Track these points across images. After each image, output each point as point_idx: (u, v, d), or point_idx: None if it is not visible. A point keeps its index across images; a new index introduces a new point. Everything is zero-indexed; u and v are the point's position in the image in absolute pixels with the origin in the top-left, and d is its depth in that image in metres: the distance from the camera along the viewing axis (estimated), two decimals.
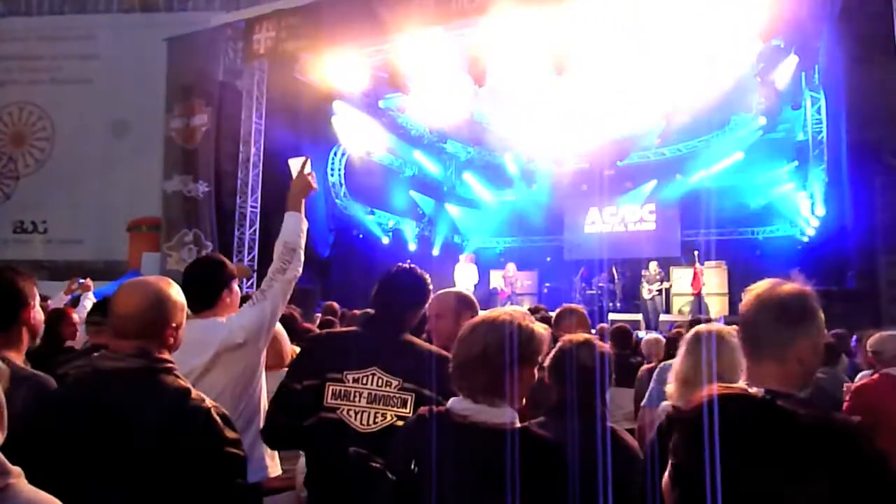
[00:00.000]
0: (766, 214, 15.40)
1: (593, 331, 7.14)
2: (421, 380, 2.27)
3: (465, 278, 14.65)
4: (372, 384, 2.29)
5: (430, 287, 2.53)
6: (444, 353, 2.43)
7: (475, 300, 2.89)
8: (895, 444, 3.53)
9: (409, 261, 2.64)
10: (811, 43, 11.23)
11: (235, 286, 2.87)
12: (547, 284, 16.78)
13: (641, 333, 8.86)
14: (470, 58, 11.23)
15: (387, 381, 2.29)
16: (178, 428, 1.75)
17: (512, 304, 15.32)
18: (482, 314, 1.90)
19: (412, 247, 16.81)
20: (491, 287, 16.68)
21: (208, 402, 1.84)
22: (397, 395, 2.27)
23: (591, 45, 10.76)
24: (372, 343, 2.38)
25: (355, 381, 2.28)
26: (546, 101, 14.53)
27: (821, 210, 12.55)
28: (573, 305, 4.05)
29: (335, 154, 15.15)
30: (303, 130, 13.32)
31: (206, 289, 2.73)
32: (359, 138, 14.95)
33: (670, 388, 2.50)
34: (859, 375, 4.92)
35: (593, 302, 15.17)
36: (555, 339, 2.39)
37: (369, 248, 15.10)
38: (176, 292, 1.96)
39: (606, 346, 2.37)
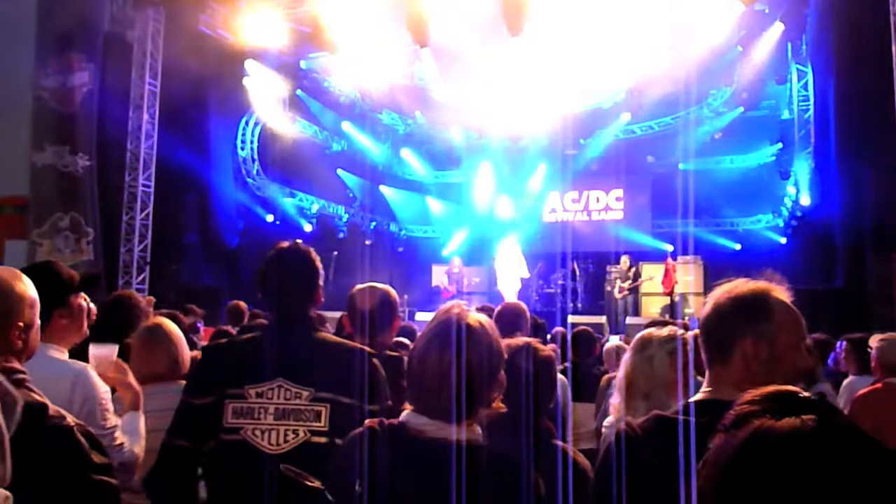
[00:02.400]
0: (747, 203, 15.91)
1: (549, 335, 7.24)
2: (337, 386, 2.27)
3: (510, 271, 13.84)
4: (278, 398, 2.28)
5: (320, 266, 2.53)
6: (364, 348, 2.43)
7: (396, 298, 2.90)
8: None
9: (299, 240, 2.61)
10: (799, 9, 11.64)
11: (79, 302, 2.73)
12: None
13: (615, 338, 9.01)
14: (409, 12, 11.20)
15: (295, 393, 2.28)
16: (32, 452, 1.69)
17: None
18: (445, 316, 1.89)
19: (340, 235, 16.70)
20: (433, 285, 16.72)
21: (70, 420, 1.78)
22: (309, 408, 2.26)
23: (549, 2, 10.87)
24: (275, 348, 2.39)
25: (259, 395, 2.27)
26: (499, 66, 14.61)
27: (806, 199, 13.04)
28: (516, 303, 4.11)
29: (247, 124, 14.90)
30: (207, 95, 13.05)
31: None
32: (276, 105, 14.74)
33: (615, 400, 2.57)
34: (845, 383, 5.15)
35: (552, 301, 15.39)
36: None
37: (288, 238, 14.88)
38: (25, 285, 1.89)
39: (549, 351, 2.40)
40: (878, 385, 4.19)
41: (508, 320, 4.03)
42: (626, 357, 2.63)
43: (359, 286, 2.97)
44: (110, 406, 2.59)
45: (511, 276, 13.39)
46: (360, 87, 15.97)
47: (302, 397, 2.27)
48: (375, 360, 2.41)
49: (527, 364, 2.28)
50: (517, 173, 17.85)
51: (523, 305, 4.40)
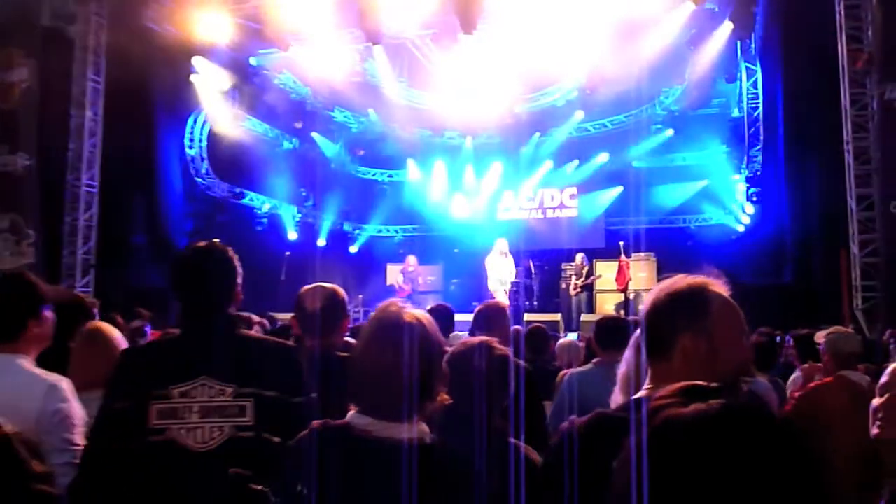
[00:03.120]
0: (699, 201, 16.21)
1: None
2: (260, 380, 2.32)
3: (499, 272, 13.64)
4: (203, 396, 2.31)
5: (238, 264, 2.54)
6: (283, 342, 2.48)
7: (345, 297, 2.90)
8: (835, 456, 3.87)
9: (215, 240, 2.61)
10: (747, 7, 11.88)
11: (48, 314, 2.74)
12: (454, 281, 16.96)
13: (572, 335, 9.09)
14: (361, 9, 11.15)
15: (219, 390, 2.31)
16: None
17: (413, 303, 15.32)
18: (383, 314, 1.91)
19: (292, 235, 16.55)
20: (388, 283, 16.67)
21: (8, 428, 1.74)
22: (233, 404, 2.30)
23: (503, 1, 10.94)
24: (196, 347, 2.41)
25: (182, 395, 2.31)
26: (452, 64, 14.64)
27: (756, 197, 13.34)
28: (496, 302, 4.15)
29: (195, 122, 14.67)
30: (154, 92, 12.79)
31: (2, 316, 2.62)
32: (225, 103, 14.54)
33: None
34: (792, 378, 5.29)
35: (508, 300, 15.47)
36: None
37: (238, 238, 14.70)
38: None
39: (505, 350, 2.42)
40: (830, 379, 4.26)
41: (488, 318, 4.06)
42: (627, 355, 2.65)
43: (307, 287, 2.97)
44: (80, 423, 2.57)
45: (501, 277, 13.42)
46: (312, 84, 15.84)
47: (226, 394, 2.30)
48: (296, 353, 2.46)
49: (481, 363, 2.29)
50: (471, 172, 17.90)
51: (504, 304, 4.43)
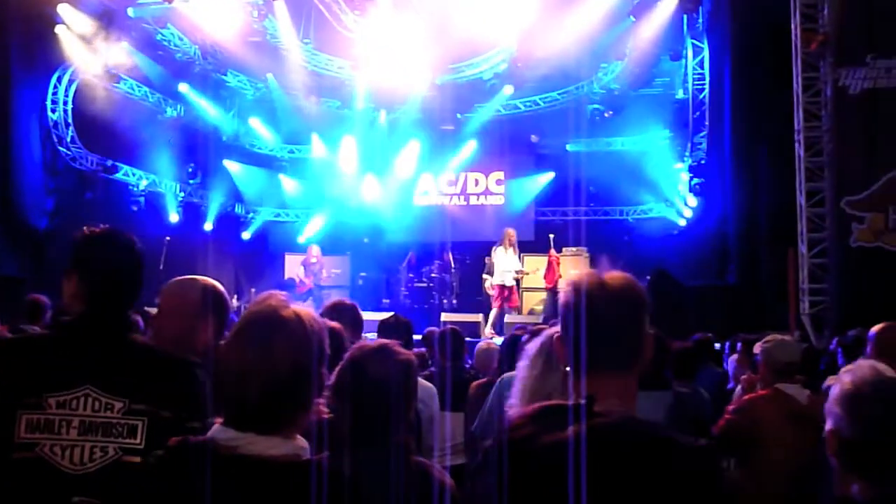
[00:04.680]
0: (639, 190, 16.54)
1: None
2: (157, 397, 2.24)
3: (507, 264, 13.54)
4: (85, 409, 2.21)
5: (141, 256, 2.47)
6: (188, 357, 2.40)
7: (227, 297, 2.79)
8: (770, 471, 4.01)
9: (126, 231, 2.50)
10: None
11: None
12: (362, 274, 16.87)
13: (498, 339, 9.10)
14: None
15: (106, 403, 2.22)
16: None
17: (314, 298, 15.21)
18: (255, 307, 1.86)
19: (174, 218, 16.09)
20: (287, 277, 16.45)
21: None
22: (122, 422, 2.21)
23: None
24: (81, 350, 2.28)
25: (60, 405, 2.20)
26: (367, 26, 14.51)
27: (700, 188, 13.69)
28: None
29: (59, 81, 14.07)
30: (8, 44, 12.23)
31: None
32: (97, 60, 14.02)
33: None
34: (738, 390, 5.42)
35: (424, 297, 15.47)
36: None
37: (110, 219, 14.17)
38: None
39: (408, 354, 2.40)
40: (765, 392, 4.40)
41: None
42: (524, 364, 2.64)
43: (174, 280, 2.84)
44: None
45: (507, 268, 13.35)
46: (201, 42, 15.43)
47: (114, 409, 2.22)
48: (199, 371, 2.36)
49: (381, 370, 2.26)
50: (385, 150, 17.79)
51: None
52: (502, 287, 13.35)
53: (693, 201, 14.39)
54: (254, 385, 1.72)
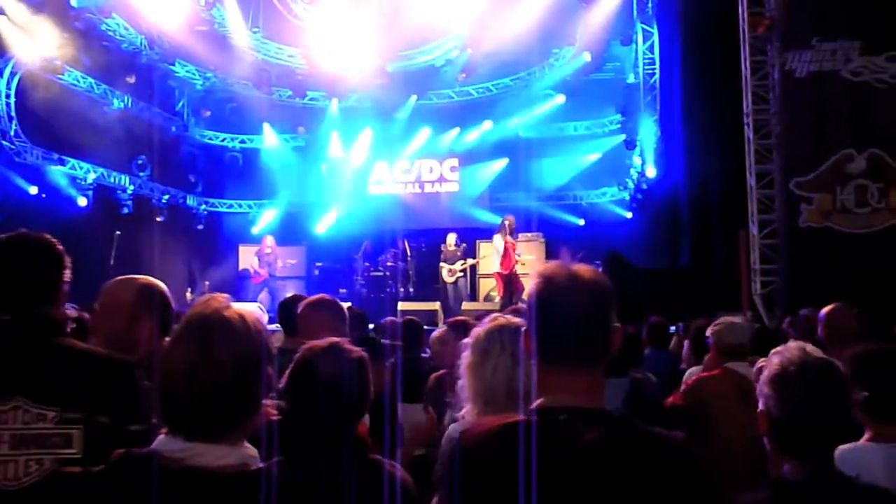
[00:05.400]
0: (593, 175, 16.69)
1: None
2: (91, 403, 2.18)
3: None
4: (16, 422, 2.15)
5: (65, 257, 2.40)
6: (119, 356, 2.34)
7: (168, 295, 2.73)
8: (721, 448, 4.09)
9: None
10: None
11: None
12: (318, 264, 16.79)
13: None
14: None
15: (38, 414, 2.16)
16: None
17: (269, 289, 15.12)
18: (192, 310, 1.82)
19: (124, 211, 15.83)
20: (241, 268, 16.31)
21: None
22: (56, 432, 2.15)
23: None
24: (6, 361, 2.22)
25: None
26: (316, 13, 14.38)
27: (652, 171, 13.83)
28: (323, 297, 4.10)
29: (1, 73, 13.75)
30: None
31: None
32: (41, 51, 13.70)
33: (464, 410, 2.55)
34: (688, 373, 5.49)
35: (381, 286, 15.45)
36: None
37: (56, 214, 13.96)
38: None
39: (360, 351, 2.37)
40: (717, 371, 4.50)
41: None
42: (467, 354, 2.60)
43: (112, 279, 2.78)
44: None
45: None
46: (148, 32, 15.17)
47: (46, 419, 2.16)
48: (137, 371, 2.31)
49: (332, 369, 2.23)
50: (338, 139, 17.70)
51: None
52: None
53: (645, 185, 14.53)
54: (197, 387, 1.70)
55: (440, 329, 4.62)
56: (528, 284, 1.81)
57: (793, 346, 2.14)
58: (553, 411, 1.66)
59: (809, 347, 2.13)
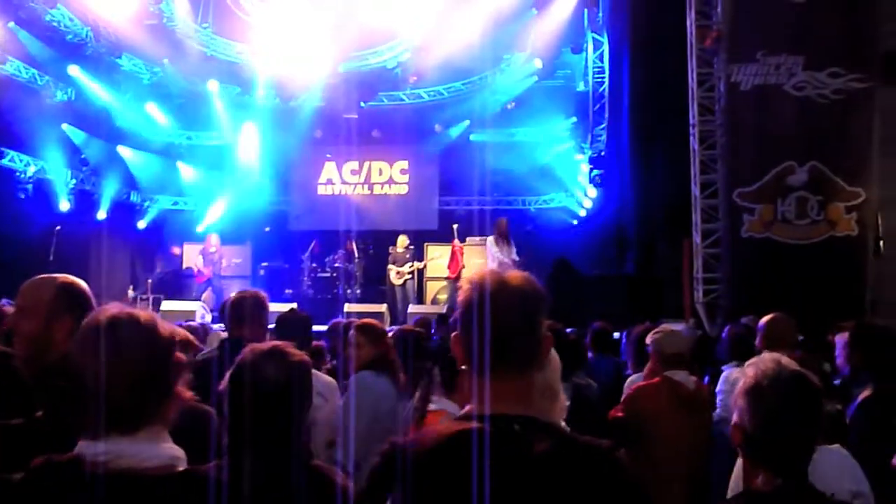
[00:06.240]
0: (541, 180, 16.82)
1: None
2: None
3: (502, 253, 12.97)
4: None
5: None
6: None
7: (88, 294, 2.67)
8: (663, 455, 4.17)
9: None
10: None
11: None
12: (264, 264, 16.64)
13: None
14: None
15: None
16: None
17: (214, 289, 14.94)
18: (93, 315, 1.85)
19: (64, 206, 15.51)
20: (185, 266, 16.08)
21: None
22: None
23: None
24: None
25: None
26: (267, 10, 14.27)
27: (599, 179, 14.00)
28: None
29: None
30: None
31: None
32: None
33: None
34: (629, 380, 5.56)
35: (328, 287, 15.38)
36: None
37: None
38: None
39: (302, 356, 2.34)
40: (656, 380, 4.57)
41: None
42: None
43: (31, 279, 2.71)
44: None
45: (501, 258, 12.99)
46: (94, 23, 14.88)
47: None
48: (13, 361, 2.30)
49: (274, 373, 2.20)
50: (287, 138, 17.56)
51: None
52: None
53: (593, 192, 14.70)
54: (104, 382, 1.71)
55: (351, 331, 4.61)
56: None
57: (767, 358, 2.14)
58: (482, 418, 1.65)
59: (784, 360, 2.12)
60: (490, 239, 13.15)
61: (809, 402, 2.06)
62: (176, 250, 15.78)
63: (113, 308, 1.84)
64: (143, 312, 1.85)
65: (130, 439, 1.72)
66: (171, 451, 1.76)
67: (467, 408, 1.72)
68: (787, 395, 2.02)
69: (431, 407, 3.40)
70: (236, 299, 4.34)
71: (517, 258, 13.08)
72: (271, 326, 4.84)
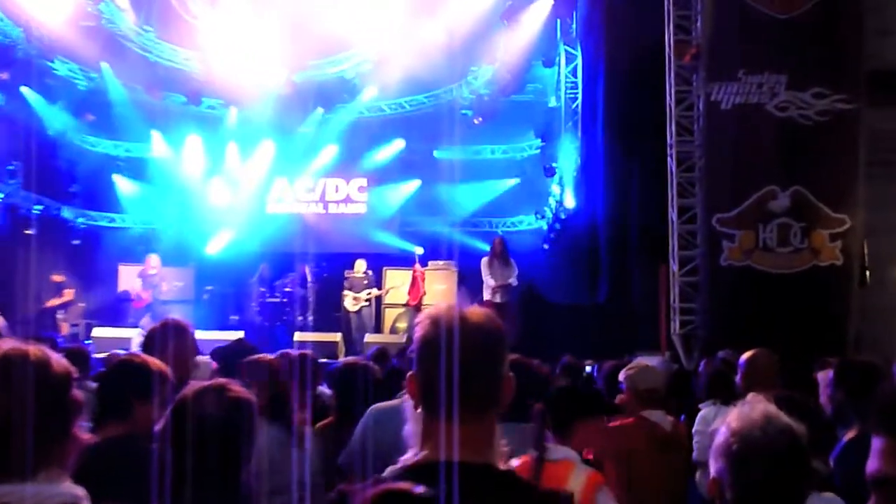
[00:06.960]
0: (510, 201, 16.87)
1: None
2: None
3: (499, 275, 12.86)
4: None
5: None
6: None
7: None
8: (644, 494, 4.18)
9: None
10: None
11: None
12: (208, 288, 16.46)
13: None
14: None
15: None
16: None
17: (153, 315, 14.73)
18: None
19: None
20: (121, 290, 15.87)
21: None
22: None
23: None
24: None
25: None
26: (217, 14, 14.23)
27: (571, 201, 14.07)
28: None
29: None
30: None
31: None
32: None
33: None
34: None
35: (277, 314, 15.25)
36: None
37: None
38: None
39: (243, 392, 2.35)
40: (630, 420, 4.60)
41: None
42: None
43: None
44: None
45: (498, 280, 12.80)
46: (26, 25, 14.73)
47: None
48: None
49: (216, 412, 2.19)
50: (236, 151, 17.46)
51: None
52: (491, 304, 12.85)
53: (564, 214, 14.75)
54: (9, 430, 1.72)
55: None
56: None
57: (755, 414, 2.02)
58: (437, 465, 1.64)
59: (772, 411, 2.03)
60: (484, 261, 13.12)
61: (797, 470, 1.99)
62: (57, 277, 15.37)
63: (2, 345, 1.85)
64: (33, 348, 1.85)
65: (25, 484, 1.72)
66: (72, 490, 1.76)
67: (422, 454, 1.71)
68: (775, 466, 1.96)
69: (551, 456, 3.28)
70: (151, 332, 4.23)
71: (515, 282, 12.96)
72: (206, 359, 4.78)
